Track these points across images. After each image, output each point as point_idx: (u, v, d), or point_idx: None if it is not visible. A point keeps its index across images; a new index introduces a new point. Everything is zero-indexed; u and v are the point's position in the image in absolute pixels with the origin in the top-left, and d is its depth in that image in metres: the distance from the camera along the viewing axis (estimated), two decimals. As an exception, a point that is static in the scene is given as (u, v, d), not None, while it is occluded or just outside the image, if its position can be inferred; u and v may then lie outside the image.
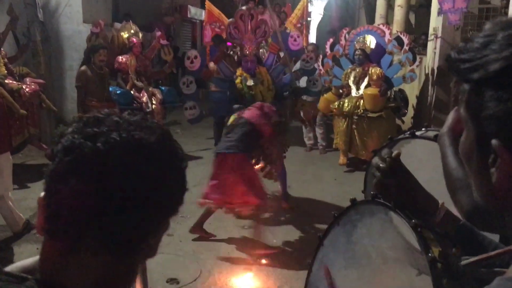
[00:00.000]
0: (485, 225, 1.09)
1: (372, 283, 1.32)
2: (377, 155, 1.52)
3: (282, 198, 5.35)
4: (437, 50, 7.64)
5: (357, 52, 7.22)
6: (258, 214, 4.50)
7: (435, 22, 7.88)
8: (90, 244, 0.73)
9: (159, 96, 7.51)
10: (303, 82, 6.43)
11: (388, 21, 11.19)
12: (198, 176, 6.47)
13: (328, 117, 8.11)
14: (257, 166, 4.67)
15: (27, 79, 6.09)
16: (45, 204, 0.74)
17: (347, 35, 7.95)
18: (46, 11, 7.87)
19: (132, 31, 7.77)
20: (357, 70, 7.19)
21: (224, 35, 6.43)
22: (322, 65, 7.95)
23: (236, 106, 4.97)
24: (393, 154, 1.19)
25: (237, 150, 4.27)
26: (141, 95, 7.28)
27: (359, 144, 7.07)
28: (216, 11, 7.08)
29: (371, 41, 7.68)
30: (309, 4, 11.71)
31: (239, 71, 5.17)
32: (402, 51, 7.52)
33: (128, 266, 0.80)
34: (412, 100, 8.69)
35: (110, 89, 6.87)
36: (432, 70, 7.92)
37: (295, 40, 5.85)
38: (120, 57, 7.27)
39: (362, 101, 7.02)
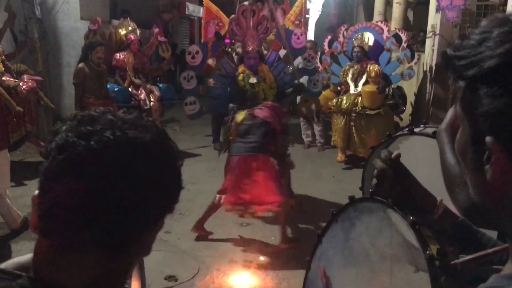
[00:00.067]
0: (482, 222, 1.09)
1: (370, 280, 1.32)
2: (375, 154, 1.52)
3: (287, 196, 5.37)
4: (435, 47, 7.63)
5: (355, 49, 7.22)
6: (281, 212, 4.50)
7: (433, 19, 7.88)
8: (84, 242, 0.73)
9: (157, 93, 7.50)
10: (303, 81, 6.41)
11: (386, 18, 11.19)
12: (197, 174, 6.49)
13: (326, 114, 8.11)
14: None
15: (25, 76, 6.06)
16: (38, 203, 0.74)
17: (345, 32, 7.95)
18: (44, 8, 7.85)
19: (130, 28, 7.75)
20: (355, 67, 7.19)
21: (222, 32, 6.40)
22: (321, 62, 7.94)
23: (231, 105, 4.96)
24: (393, 155, 1.19)
25: (260, 151, 4.36)
26: (139, 92, 7.27)
27: (357, 141, 7.08)
28: (214, 8, 7.05)
29: (369, 38, 7.67)
30: (307, 1, 11.69)
31: (241, 68, 5.15)
32: (400, 48, 7.51)
33: (122, 264, 0.79)
34: (410, 97, 8.69)
35: (108, 86, 6.86)
36: (430, 67, 7.92)
37: (298, 38, 5.80)
38: (118, 54, 7.25)
39: (360, 98, 7.02)
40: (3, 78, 5.04)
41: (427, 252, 1.08)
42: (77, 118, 0.76)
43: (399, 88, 8.06)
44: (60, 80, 8.27)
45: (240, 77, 5.06)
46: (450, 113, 0.90)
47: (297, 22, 7.15)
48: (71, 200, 0.71)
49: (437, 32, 7.57)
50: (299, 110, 6.02)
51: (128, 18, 8.06)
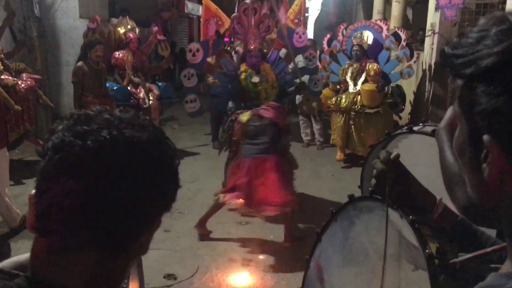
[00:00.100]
0: (481, 220, 1.09)
1: (370, 279, 1.32)
2: (375, 153, 1.52)
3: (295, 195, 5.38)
4: (435, 46, 7.63)
5: (354, 48, 7.22)
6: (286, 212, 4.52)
7: (432, 17, 7.88)
8: (81, 242, 0.72)
9: (156, 92, 7.49)
10: (304, 80, 6.39)
11: (386, 17, 11.17)
12: (196, 172, 6.48)
13: (326, 112, 8.10)
14: None
15: (24, 75, 6.06)
16: (35, 202, 0.74)
17: (344, 31, 7.94)
18: (42, 7, 7.84)
19: (129, 27, 7.73)
20: (355, 66, 7.19)
21: (221, 31, 6.38)
22: (320, 61, 7.93)
23: (230, 105, 4.95)
24: (392, 156, 1.19)
25: (272, 152, 4.41)
26: (138, 91, 7.26)
27: (356, 140, 7.08)
28: (213, 6, 7.03)
29: (368, 37, 7.67)
30: (306, 0, 11.68)
31: (243, 67, 5.12)
32: (400, 46, 7.51)
33: (119, 264, 0.79)
34: (410, 96, 8.69)
35: (107, 85, 6.85)
36: (430, 66, 7.92)
37: (300, 37, 5.77)
38: (117, 53, 7.24)
39: (359, 97, 7.02)
40: (2, 77, 5.03)
41: (427, 251, 1.08)
42: (74, 117, 0.76)
43: (398, 87, 8.06)
44: (59, 79, 8.25)
45: (243, 76, 5.04)
46: (449, 111, 0.90)
47: (296, 20, 7.12)
48: (68, 200, 0.70)
49: (436, 30, 7.57)
50: (301, 109, 6.01)
51: (127, 17, 8.04)
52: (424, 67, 8.28)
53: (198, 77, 5.51)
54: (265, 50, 5.65)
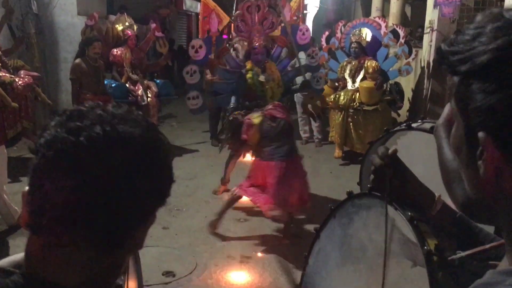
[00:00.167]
0: (479, 217, 1.09)
1: (368, 275, 1.32)
2: (373, 150, 1.52)
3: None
4: (433, 43, 7.64)
5: (353, 45, 7.21)
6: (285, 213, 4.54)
7: (431, 15, 7.87)
8: (75, 239, 0.72)
9: (154, 89, 7.48)
10: (307, 77, 6.37)
11: (384, 14, 11.17)
12: (195, 170, 6.48)
13: (324, 110, 8.08)
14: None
15: (22, 72, 6.05)
16: (29, 199, 0.73)
17: (343, 28, 7.93)
18: (40, 3, 7.81)
19: (127, 24, 7.72)
20: (353, 63, 7.18)
21: (220, 28, 6.37)
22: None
23: (231, 106, 4.92)
24: (389, 151, 1.19)
25: (295, 153, 4.46)
26: (136, 88, 7.25)
27: (355, 137, 7.08)
28: (212, 3, 7.03)
29: (367, 34, 7.67)
30: (305, -3, 11.67)
31: (249, 65, 5.09)
32: (398, 44, 7.51)
33: (114, 260, 0.79)
34: (408, 93, 8.70)
35: (105, 82, 6.84)
36: (428, 63, 7.92)
37: (303, 34, 5.73)
38: (115, 50, 7.22)
39: (358, 94, 7.02)
40: None
41: (425, 247, 1.08)
42: (66, 114, 0.75)
43: (397, 84, 8.06)
44: (57, 76, 8.24)
45: (249, 74, 5.00)
46: (447, 108, 0.90)
47: (295, 17, 7.12)
48: (61, 197, 0.70)
49: (435, 27, 7.57)
50: (305, 108, 5.97)
51: (125, 14, 8.03)
52: (422, 64, 8.28)
53: (200, 73, 5.47)
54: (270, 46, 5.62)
